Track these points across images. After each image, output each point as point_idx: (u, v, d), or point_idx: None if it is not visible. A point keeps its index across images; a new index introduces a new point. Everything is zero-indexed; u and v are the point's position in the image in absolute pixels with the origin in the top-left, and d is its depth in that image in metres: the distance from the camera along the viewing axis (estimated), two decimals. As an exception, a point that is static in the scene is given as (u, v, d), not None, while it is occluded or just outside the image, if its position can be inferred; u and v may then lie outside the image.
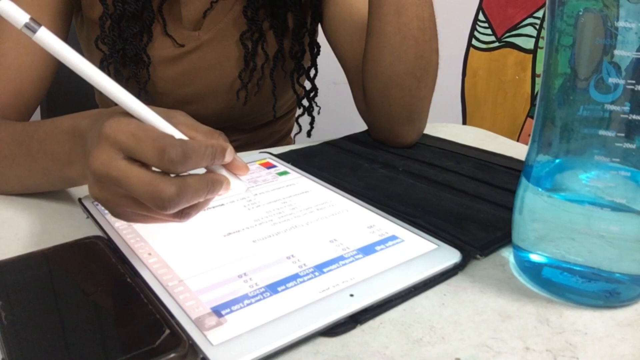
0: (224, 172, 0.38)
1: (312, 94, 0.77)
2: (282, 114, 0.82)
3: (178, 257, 0.40)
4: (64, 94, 0.92)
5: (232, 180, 0.38)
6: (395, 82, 0.60)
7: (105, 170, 0.34)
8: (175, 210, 0.34)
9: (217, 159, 0.36)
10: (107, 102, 0.71)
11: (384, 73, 0.61)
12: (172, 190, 0.33)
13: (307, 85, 0.78)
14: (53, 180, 0.48)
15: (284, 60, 0.72)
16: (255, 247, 0.41)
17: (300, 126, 0.81)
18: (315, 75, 0.76)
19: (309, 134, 0.79)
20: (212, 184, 0.36)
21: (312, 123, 0.79)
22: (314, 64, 0.75)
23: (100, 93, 0.79)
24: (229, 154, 0.37)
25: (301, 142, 0.72)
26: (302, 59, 0.73)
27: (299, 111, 0.80)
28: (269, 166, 0.58)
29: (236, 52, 0.69)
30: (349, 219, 0.46)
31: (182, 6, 0.67)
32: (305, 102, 0.79)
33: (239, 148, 0.77)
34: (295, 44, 0.71)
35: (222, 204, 0.48)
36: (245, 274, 0.38)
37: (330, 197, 0.50)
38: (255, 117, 0.77)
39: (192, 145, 0.34)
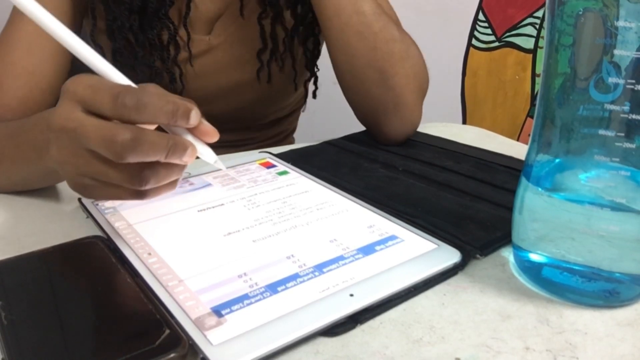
0: (189, 138, 0.35)
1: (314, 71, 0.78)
2: (290, 112, 0.82)
3: (178, 257, 0.40)
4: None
5: (200, 148, 0.36)
6: (357, 77, 0.61)
7: (63, 123, 0.34)
8: (131, 159, 0.33)
9: (180, 118, 0.34)
10: None
11: (345, 71, 0.62)
12: (126, 135, 0.32)
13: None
14: (35, 173, 0.48)
15: (300, 38, 0.72)
16: (255, 247, 0.41)
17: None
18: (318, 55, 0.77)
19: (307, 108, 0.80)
20: (174, 144, 0.34)
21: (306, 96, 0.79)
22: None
23: None
24: (194, 116, 0.35)
25: (301, 140, 0.72)
26: (320, 33, 0.73)
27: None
28: (269, 166, 0.58)
29: (247, 54, 0.70)
30: (348, 218, 0.46)
31: (192, 11, 0.67)
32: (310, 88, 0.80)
33: (244, 147, 0.78)
34: (310, 16, 0.71)
35: (222, 204, 0.48)
36: (245, 274, 0.38)
37: (330, 196, 0.50)
38: (264, 115, 0.78)
39: (149, 95, 0.33)
